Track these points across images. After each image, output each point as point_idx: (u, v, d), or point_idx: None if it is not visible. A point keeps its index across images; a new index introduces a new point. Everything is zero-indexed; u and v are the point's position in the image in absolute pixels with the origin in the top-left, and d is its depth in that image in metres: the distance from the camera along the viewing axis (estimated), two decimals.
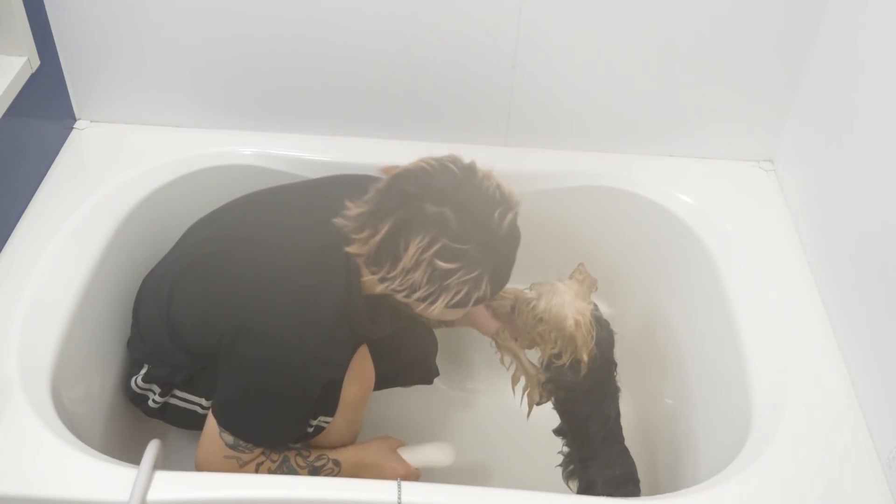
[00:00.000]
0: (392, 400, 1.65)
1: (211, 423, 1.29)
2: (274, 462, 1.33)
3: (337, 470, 1.39)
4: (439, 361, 1.64)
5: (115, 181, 1.59)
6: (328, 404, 1.37)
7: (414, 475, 1.46)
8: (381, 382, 1.47)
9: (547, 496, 1.19)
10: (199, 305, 1.33)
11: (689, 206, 1.64)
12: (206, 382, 1.36)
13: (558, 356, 1.38)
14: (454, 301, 1.18)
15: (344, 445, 1.44)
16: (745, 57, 1.59)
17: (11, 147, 1.48)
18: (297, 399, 1.29)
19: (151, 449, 1.19)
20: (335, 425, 1.40)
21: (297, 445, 1.40)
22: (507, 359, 1.51)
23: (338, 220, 1.22)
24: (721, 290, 1.50)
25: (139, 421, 1.47)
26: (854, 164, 1.41)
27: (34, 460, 1.16)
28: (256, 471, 1.31)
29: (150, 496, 1.13)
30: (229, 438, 1.28)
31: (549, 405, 1.48)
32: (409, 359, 1.58)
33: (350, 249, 1.21)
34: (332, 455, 1.40)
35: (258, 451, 1.30)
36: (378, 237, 1.17)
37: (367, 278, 1.26)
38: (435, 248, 1.14)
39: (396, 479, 1.17)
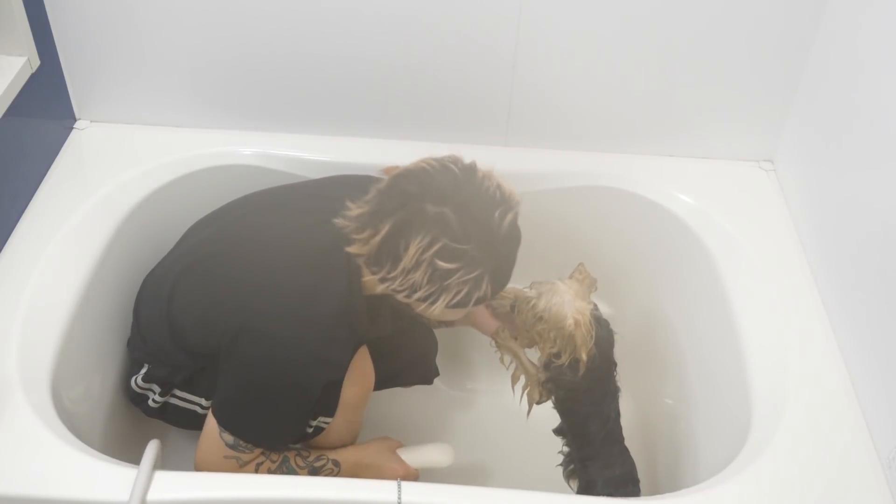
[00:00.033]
0: (392, 400, 1.65)
1: (211, 422, 1.29)
2: (274, 462, 1.32)
3: (336, 470, 1.39)
4: (439, 361, 1.64)
5: (115, 181, 1.59)
6: (328, 405, 1.37)
7: (413, 476, 1.46)
8: (381, 382, 1.47)
9: (547, 496, 1.19)
10: (199, 305, 1.33)
11: (689, 206, 1.64)
12: (206, 382, 1.36)
13: (557, 355, 1.38)
14: (455, 301, 1.18)
15: (343, 446, 1.44)
16: (745, 57, 1.59)
17: (11, 147, 1.48)
18: (297, 399, 1.29)
19: (151, 449, 1.19)
20: (335, 426, 1.40)
21: (297, 446, 1.40)
22: (507, 358, 1.51)
23: (338, 221, 1.22)
24: (721, 290, 1.50)
25: (139, 421, 1.47)
26: (854, 164, 1.41)
27: (34, 460, 1.16)
28: (256, 471, 1.31)
29: (150, 496, 1.13)
30: (229, 438, 1.28)
31: (548, 404, 1.48)
32: (409, 359, 1.58)
33: (351, 250, 1.21)
34: (332, 455, 1.40)
35: (258, 451, 1.30)
36: (378, 237, 1.17)
37: (368, 278, 1.26)
38: (435, 248, 1.14)
39: (396, 480, 1.17)
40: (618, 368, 1.44)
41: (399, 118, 1.70)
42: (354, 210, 1.21)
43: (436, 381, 1.64)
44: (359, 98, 1.67)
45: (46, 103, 1.62)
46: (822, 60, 1.55)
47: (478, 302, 1.20)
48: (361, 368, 1.40)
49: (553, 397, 1.46)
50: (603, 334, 1.40)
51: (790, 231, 1.59)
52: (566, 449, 1.50)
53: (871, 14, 1.38)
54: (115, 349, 1.46)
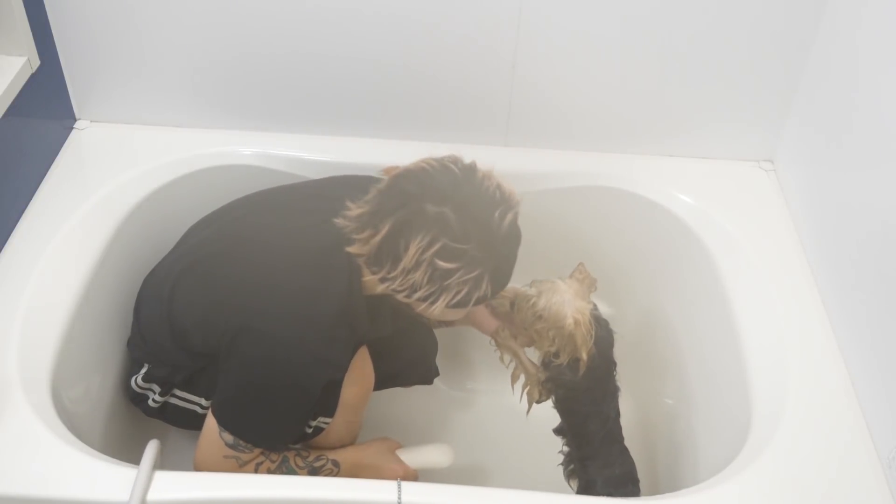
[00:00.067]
0: (392, 400, 1.65)
1: (210, 422, 1.29)
2: (273, 462, 1.32)
3: (336, 470, 1.39)
4: (439, 361, 1.64)
5: (115, 181, 1.59)
6: (328, 405, 1.37)
7: (412, 476, 1.46)
8: (381, 382, 1.47)
9: (547, 496, 1.19)
10: (199, 305, 1.33)
11: (689, 206, 1.64)
12: (206, 382, 1.36)
13: (556, 354, 1.38)
14: (455, 301, 1.18)
15: (343, 446, 1.44)
16: (745, 57, 1.59)
17: (11, 147, 1.48)
18: (297, 399, 1.29)
19: (151, 449, 1.19)
20: (334, 426, 1.40)
21: (297, 446, 1.40)
22: (507, 357, 1.51)
23: (339, 221, 1.22)
24: (721, 290, 1.50)
25: (139, 421, 1.47)
26: (854, 164, 1.41)
27: (34, 460, 1.16)
28: (256, 471, 1.31)
29: (150, 496, 1.13)
30: (229, 438, 1.28)
31: (548, 404, 1.48)
32: (409, 359, 1.58)
33: (351, 250, 1.21)
34: (332, 456, 1.40)
35: (257, 451, 1.30)
36: (379, 237, 1.17)
37: (368, 278, 1.26)
38: (435, 247, 1.14)
39: (396, 480, 1.17)
40: (618, 368, 1.45)
41: (399, 118, 1.70)
42: (354, 210, 1.21)
43: (436, 381, 1.64)
44: (359, 98, 1.67)
45: (46, 103, 1.62)
46: (822, 60, 1.55)
47: (478, 302, 1.20)
48: (361, 368, 1.40)
49: (553, 397, 1.46)
50: (602, 334, 1.40)
51: (790, 231, 1.59)
52: (566, 448, 1.50)
53: (871, 14, 1.38)
54: (115, 349, 1.47)
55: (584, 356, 1.35)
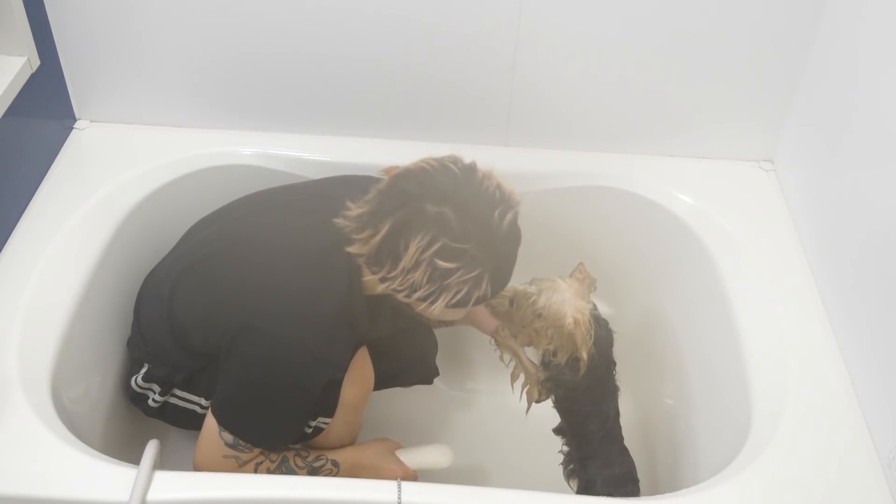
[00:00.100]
0: (392, 400, 1.66)
1: (210, 422, 1.29)
2: (273, 462, 1.32)
3: (335, 471, 1.39)
4: (439, 361, 1.64)
5: (115, 181, 1.59)
6: (327, 405, 1.37)
7: (412, 477, 1.46)
8: (381, 382, 1.47)
9: (547, 496, 1.19)
10: (200, 305, 1.33)
11: (689, 206, 1.64)
12: (206, 382, 1.36)
13: (553, 353, 1.38)
14: (455, 300, 1.18)
15: (343, 446, 1.44)
16: (745, 57, 1.59)
17: (11, 147, 1.48)
18: (296, 399, 1.29)
19: (151, 449, 1.19)
20: (334, 426, 1.40)
21: (297, 446, 1.40)
22: (507, 357, 1.51)
23: (339, 221, 1.22)
24: (721, 290, 1.50)
25: (139, 421, 1.47)
26: (854, 164, 1.41)
27: (34, 460, 1.16)
28: (255, 471, 1.31)
29: (150, 496, 1.13)
30: (228, 438, 1.28)
31: (548, 404, 1.48)
32: (409, 359, 1.58)
33: (351, 250, 1.21)
34: (331, 456, 1.40)
35: (257, 450, 1.30)
36: (378, 237, 1.17)
37: (368, 278, 1.26)
38: (435, 247, 1.14)
39: (396, 480, 1.17)
40: (617, 368, 1.45)
41: (399, 118, 1.70)
42: (354, 210, 1.21)
43: (436, 381, 1.64)
44: (359, 98, 1.67)
45: (46, 103, 1.62)
46: (822, 60, 1.55)
47: (478, 301, 1.20)
48: (361, 369, 1.40)
49: (552, 396, 1.46)
50: (602, 333, 1.40)
51: (790, 231, 1.59)
52: (566, 448, 1.51)
53: (871, 14, 1.38)
54: (115, 349, 1.47)
55: (584, 356, 1.35)
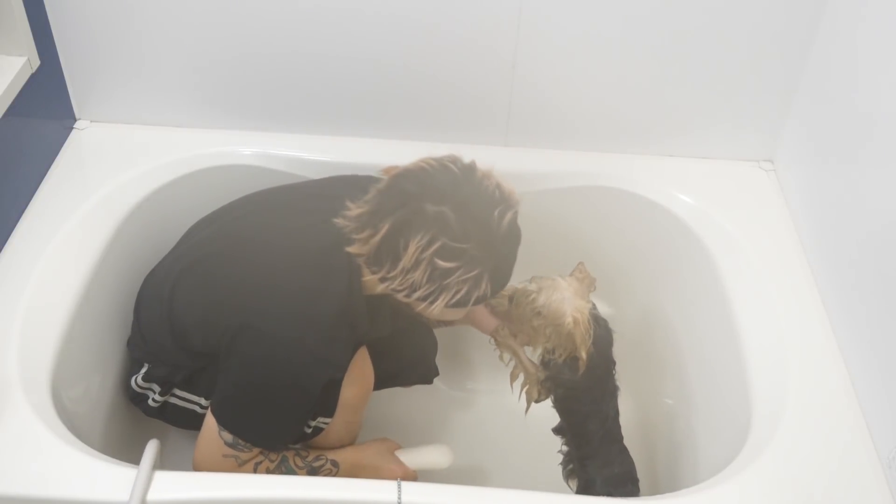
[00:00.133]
0: (392, 400, 1.66)
1: (210, 421, 1.29)
2: (272, 462, 1.33)
3: (335, 471, 1.39)
4: (439, 361, 1.64)
5: (115, 181, 1.59)
6: (327, 405, 1.37)
7: (411, 477, 1.46)
8: (381, 382, 1.47)
9: (547, 496, 1.19)
10: (200, 305, 1.33)
11: (689, 206, 1.64)
12: (206, 382, 1.36)
13: (551, 351, 1.38)
14: (454, 300, 1.18)
15: (342, 446, 1.44)
16: (745, 57, 1.59)
17: (11, 147, 1.48)
18: (296, 399, 1.29)
19: (151, 449, 1.19)
20: (334, 426, 1.40)
21: (296, 446, 1.40)
22: (507, 356, 1.51)
23: (338, 221, 1.22)
24: (721, 290, 1.50)
25: (139, 421, 1.47)
26: (854, 164, 1.41)
27: (34, 460, 1.16)
28: (254, 470, 1.31)
29: (150, 496, 1.13)
30: (228, 437, 1.28)
31: (547, 403, 1.48)
32: (409, 359, 1.58)
33: (351, 249, 1.21)
34: (331, 456, 1.40)
35: (256, 450, 1.30)
36: (378, 237, 1.17)
37: (368, 278, 1.26)
38: (434, 247, 1.14)
39: (396, 480, 1.17)
40: (617, 368, 1.45)
41: (399, 118, 1.70)
42: (354, 210, 1.21)
43: (436, 381, 1.64)
44: (359, 98, 1.67)
45: (46, 103, 1.62)
46: (822, 60, 1.55)
47: (477, 301, 1.20)
48: (361, 369, 1.40)
49: (552, 396, 1.46)
50: (601, 333, 1.40)
51: (790, 231, 1.59)
52: (565, 448, 1.50)
53: (871, 14, 1.38)
54: (115, 349, 1.47)
55: (583, 355, 1.35)
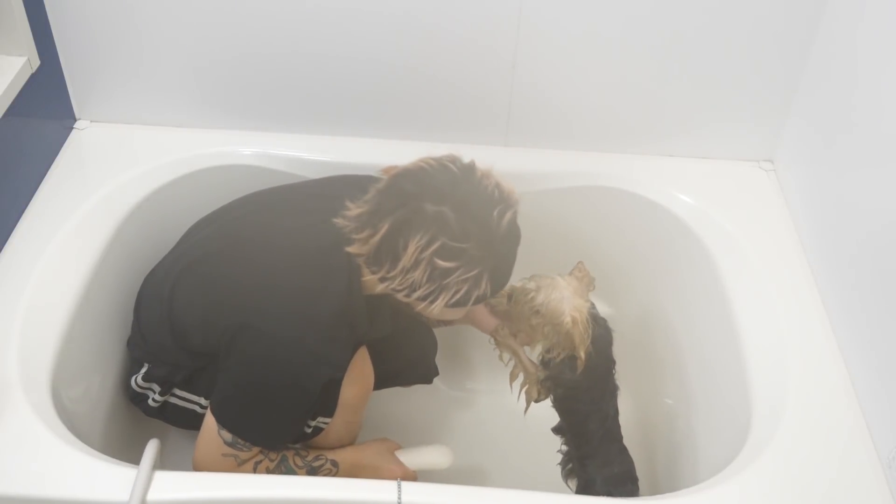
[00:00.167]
0: (392, 400, 1.66)
1: (209, 420, 1.29)
2: (272, 461, 1.33)
3: (335, 470, 1.39)
4: (439, 361, 1.64)
5: (115, 181, 1.59)
6: (327, 405, 1.37)
7: (411, 477, 1.46)
8: (381, 382, 1.47)
9: (546, 496, 1.19)
10: (199, 305, 1.33)
11: (689, 206, 1.64)
12: (206, 381, 1.36)
13: (549, 350, 1.38)
14: (454, 300, 1.18)
15: (342, 446, 1.44)
16: (745, 57, 1.59)
17: (11, 147, 1.48)
18: (296, 399, 1.29)
19: (151, 449, 1.19)
20: (334, 426, 1.40)
21: (296, 445, 1.40)
22: (506, 356, 1.51)
23: (338, 220, 1.22)
24: (721, 290, 1.50)
25: (139, 421, 1.47)
26: (854, 164, 1.41)
27: (34, 460, 1.16)
28: (254, 470, 1.31)
29: (150, 496, 1.13)
30: (227, 436, 1.28)
31: (547, 403, 1.48)
32: (408, 358, 1.58)
33: (350, 249, 1.21)
34: (331, 455, 1.40)
35: (256, 449, 1.30)
36: (378, 237, 1.17)
37: (368, 278, 1.26)
38: (434, 246, 1.14)
39: (395, 480, 1.17)
40: (617, 368, 1.45)
41: (399, 118, 1.70)
42: (354, 210, 1.21)
43: (436, 380, 1.64)
44: (359, 98, 1.67)
45: (46, 103, 1.62)
46: (822, 60, 1.55)
47: (477, 301, 1.20)
48: (361, 369, 1.40)
49: (552, 395, 1.46)
50: (601, 332, 1.40)
51: (790, 231, 1.58)
52: (565, 447, 1.50)
53: (871, 14, 1.38)
54: (115, 349, 1.47)
55: (582, 355, 1.35)
